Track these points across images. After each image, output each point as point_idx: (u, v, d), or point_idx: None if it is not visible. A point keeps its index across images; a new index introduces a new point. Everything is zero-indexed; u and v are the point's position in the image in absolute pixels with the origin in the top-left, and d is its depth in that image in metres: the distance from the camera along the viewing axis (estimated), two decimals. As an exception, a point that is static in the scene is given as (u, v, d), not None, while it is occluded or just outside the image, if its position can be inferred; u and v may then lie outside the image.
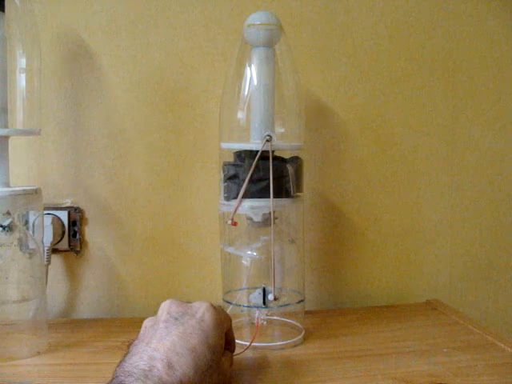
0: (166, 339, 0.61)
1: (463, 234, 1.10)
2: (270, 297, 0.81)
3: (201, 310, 0.66)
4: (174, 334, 0.62)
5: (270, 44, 0.83)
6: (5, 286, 0.80)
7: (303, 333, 0.85)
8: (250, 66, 0.83)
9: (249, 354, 0.78)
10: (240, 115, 0.84)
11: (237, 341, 0.81)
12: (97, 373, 0.74)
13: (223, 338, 0.66)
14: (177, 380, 0.57)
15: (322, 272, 1.05)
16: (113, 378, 0.57)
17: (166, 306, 0.67)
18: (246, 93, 0.83)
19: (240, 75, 0.84)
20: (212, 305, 0.67)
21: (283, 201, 0.82)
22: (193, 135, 1.01)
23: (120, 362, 0.60)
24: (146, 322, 0.67)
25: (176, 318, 0.64)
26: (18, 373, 0.74)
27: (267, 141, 0.79)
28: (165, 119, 1.00)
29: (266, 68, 0.82)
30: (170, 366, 0.57)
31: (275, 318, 0.88)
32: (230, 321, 0.71)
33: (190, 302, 0.69)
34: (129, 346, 0.63)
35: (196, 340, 0.61)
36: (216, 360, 0.63)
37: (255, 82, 0.83)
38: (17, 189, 0.79)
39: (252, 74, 0.83)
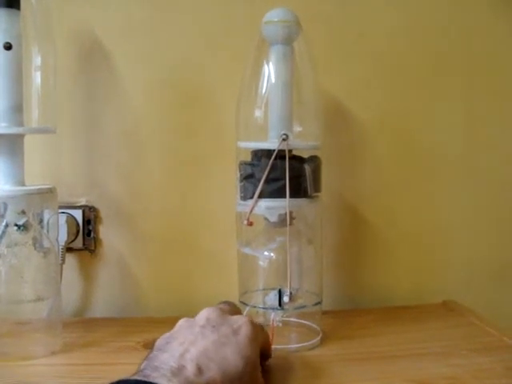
0: (200, 343, 0.62)
1: (480, 234, 1.09)
2: (286, 299, 0.80)
3: (239, 322, 0.67)
4: (208, 339, 0.62)
5: (288, 41, 0.82)
6: (20, 285, 0.80)
7: (320, 335, 0.85)
8: (267, 63, 0.82)
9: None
10: (257, 114, 0.83)
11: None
12: (112, 373, 0.72)
13: (258, 352, 0.66)
14: (203, 383, 0.57)
15: (338, 272, 1.04)
16: (138, 371, 0.57)
17: (206, 313, 0.68)
18: (264, 91, 0.83)
19: (257, 73, 0.83)
20: (251, 320, 0.68)
21: (300, 201, 0.81)
22: (208, 134, 1.00)
23: (148, 356, 0.61)
24: (183, 322, 0.68)
25: (213, 326, 0.65)
26: (33, 372, 0.74)
27: (284, 140, 0.79)
28: (180, 118, 1.00)
29: (283, 66, 0.82)
30: (198, 368, 0.58)
31: (292, 319, 0.87)
32: (268, 338, 0.72)
33: (231, 315, 0.70)
34: (154, 342, 0.65)
35: (229, 350, 0.62)
36: (249, 372, 0.62)
37: (273, 80, 0.82)
38: (32, 188, 0.79)
39: (270, 71, 0.82)
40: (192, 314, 0.97)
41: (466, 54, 1.06)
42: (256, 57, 0.84)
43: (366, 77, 1.03)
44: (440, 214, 1.08)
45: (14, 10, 0.77)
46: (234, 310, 0.75)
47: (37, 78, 0.82)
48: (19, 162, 0.80)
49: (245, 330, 0.65)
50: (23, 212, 0.77)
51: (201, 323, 0.66)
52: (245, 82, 0.85)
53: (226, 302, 0.77)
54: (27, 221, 0.78)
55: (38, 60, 0.81)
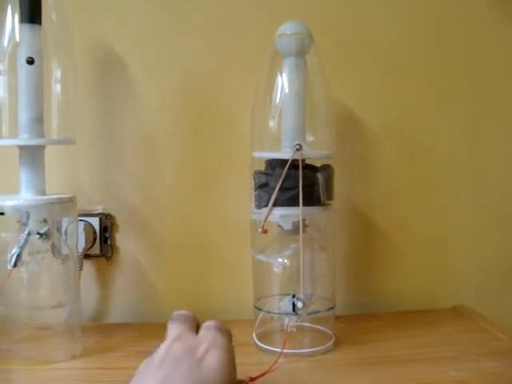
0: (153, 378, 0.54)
1: (489, 239, 1.10)
2: (300, 304, 0.82)
3: (201, 350, 0.57)
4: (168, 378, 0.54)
5: (300, 53, 0.84)
6: (40, 291, 0.82)
7: (333, 339, 0.86)
8: (281, 75, 0.84)
9: (279, 360, 0.79)
10: (271, 124, 0.85)
11: (267, 347, 0.83)
12: (130, 377, 0.74)
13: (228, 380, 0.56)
14: None
15: (350, 278, 1.06)
16: None
17: (164, 345, 0.60)
18: (277, 102, 0.84)
19: (271, 84, 0.85)
20: (217, 339, 0.60)
21: (313, 209, 0.83)
22: (223, 143, 1.02)
23: None
24: (140, 368, 0.60)
25: (174, 359, 0.56)
26: (54, 376, 0.76)
27: (297, 150, 0.81)
28: (195, 127, 1.02)
29: (296, 77, 0.83)
30: None
31: (306, 324, 0.88)
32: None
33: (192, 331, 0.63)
34: None
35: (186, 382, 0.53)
36: None
37: (286, 91, 0.84)
38: (53, 197, 0.81)
39: (283, 83, 0.84)
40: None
41: (473, 60, 1.07)
42: (270, 68, 0.86)
43: (376, 85, 1.05)
44: (449, 219, 1.09)
45: (35, 26, 0.79)
46: (194, 325, 0.65)
47: (57, 90, 0.84)
48: (40, 171, 0.82)
49: (211, 360, 0.56)
50: (45, 220, 0.79)
51: (159, 358, 0.57)
52: (259, 92, 0.87)
53: (181, 316, 0.67)
54: (49, 229, 0.80)
55: (58, 73, 0.84)
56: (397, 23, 1.05)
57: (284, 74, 0.84)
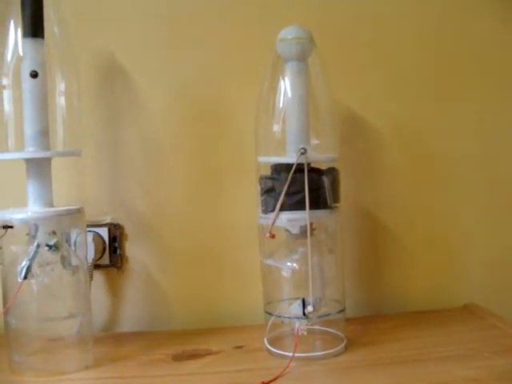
0: None
1: (498, 238, 1.10)
2: (310, 308, 0.82)
3: None
4: None
5: (302, 57, 0.84)
6: (52, 303, 0.82)
7: (345, 342, 0.86)
8: (283, 79, 0.85)
9: (291, 364, 0.79)
10: (275, 128, 0.85)
11: (279, 351, 0.83)
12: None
13: None
14: None
15: (359, 280, 1.06)
16: None
17: None
18: (281, 106, 0.85)
19: (274, 89, 0.86)
20: None
21: (320, 212, 0.83)
22: (229, 149, 1.02)
23: None
24: None
25: None
26: (68, 387, 0.77)
27: (302, 154, 0.81)
28: (200, 135, 1.02)
29: (299, 81, 0.84)
30: None
31: (316, 327, 0.88)
32: None
33: None
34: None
35: None
36: None
37: (289, 95, 0.84)
38: (61, 209, 0.81)
39: (286, 87, 0.84)
40: (218, 325, 1.00)
41: (478, 61, 1.08)
42: (272, 73, 0.86)
43: (379, 87, 1.05)
44: (458, 218, 1.09)
45: (38, 40, 0.80)
46: None
47: (61, 102, 0.85)
48: (47, 184, 0.82)
49: None
50: (54, 232, 0.80)
51: None
52: (262, 97, 0.88)
53: None
54: (57, 241, 0.80)
55: (62, 85, 0.84)
56: (399, 25, 1.06)
57: (286, 79, 0.84)
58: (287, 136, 0.85)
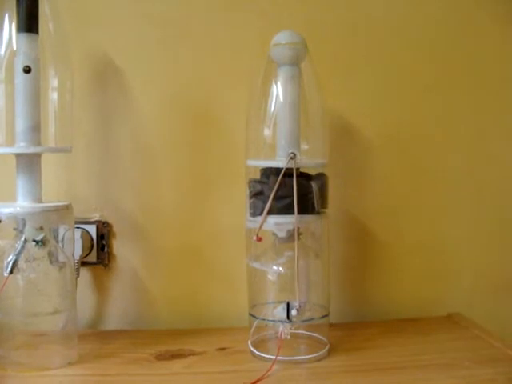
0: None
1: (485, 249, 1.10)
2: (294, 312, 0.82)
3: None
4: None
5: (295, 62, 0.84)
6: (37, 298, 0.82)
7: (328, 347, 0.86)
8: (275, 84, 0.85)
9: (275, 367, 0.79)
10: (266, 133, 0.86)
11: (262, 354, 0.84)
12: None
13: None
14: None
15: (345, 286, 1.06)
16: None
17: None
18: (272, 110, 0.85)
19: (266, 93, 0.86)
20: None
21: (308, 217, 0.83)
22: (219, 152, 1.03)
23: None
24: None
25: None
26: (51, 383, 0.77)
27: (291, 158, 0.81)
28: (191, 136, 1.02)
29: (291, 86, 0.84)
30: None
31: (300, 331, 0.88)
32: None
33: None
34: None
35: None
36: None
37: (281, 100, 0.84)
38: (49, 205, 0.81)
39: (278, 92, 0.85)
40: (203, 326, 1.00)
41: (474, 70, 1.08)
42: (264, 77, 0.87)
43: (372, 94, 1.06)
44: (445, 227, 1.09)
45: (32, 35, 0.80)
46: None
47: (53, 98, 0.85)
48: (37, 179, 0.83)
49: None
50: (41, 228, 0.80)
51: None
52: (253, 101, 0.88)
53: None
54: (45, 236, 0.80)
55: (54, 82, 0.84)
56: (393, 32, 1.06)
57: (279, 83, 0.85)
58: (277, 140, 0.85)
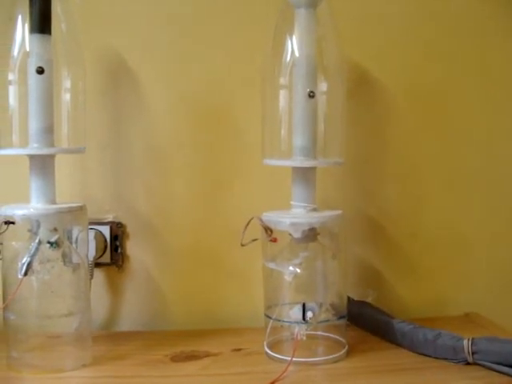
0: None
1: (502, 247, 1.09)
2: (310, 313, 0.82)
3: None
4: None
5: (311, 4, 0.83)
6: (51, 300, 0.82)
7: (346, 348, 0.85)
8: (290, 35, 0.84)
9: (290, 368, 0.79)
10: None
11: (277, 356, 0.83)
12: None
13: None
14: None
15: (362, 286, 1.05)
16: None
17: None
18: (288, 60, 0.85)
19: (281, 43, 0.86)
20: None
21: (324, 217, 0.83)
22: (231, 151, 1.02)
23: None
24: None
25: None
26: (66, 385, 0.76)
27: (310, 96, 0.81)
28: (203, 135, 1.02)
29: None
30: None
31: (318, 333, 0.88)
32: None
33: None
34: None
35: None
36: None
37: (296, 55, 0.84)
38: (63, 206, 0.81)
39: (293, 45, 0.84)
40: (218, 327, 1.00)
41: (485, 67, 1.07)
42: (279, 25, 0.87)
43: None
44: (462, 226, 1.09)
45: (45, 36, 0.80)
46: None
47: (67, 99, 0.85)
48: (50, 181, 0.82)
49: None
50: (55, 229, 0.80)
51: None
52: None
53: None
54: (59, 238, 0.80)
55: (67, 83, 0.84)
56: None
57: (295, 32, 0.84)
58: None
